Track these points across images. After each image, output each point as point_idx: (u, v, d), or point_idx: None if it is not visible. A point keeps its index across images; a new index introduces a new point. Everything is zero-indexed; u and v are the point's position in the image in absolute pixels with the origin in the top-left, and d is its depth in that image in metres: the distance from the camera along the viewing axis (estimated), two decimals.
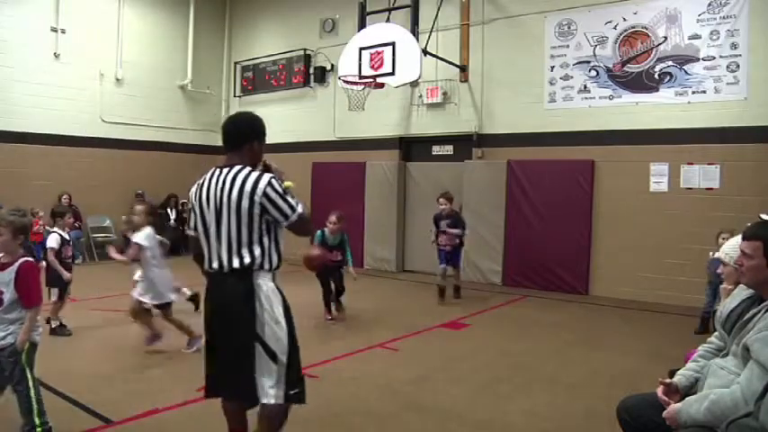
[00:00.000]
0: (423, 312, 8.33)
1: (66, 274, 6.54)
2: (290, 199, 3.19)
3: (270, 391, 3.15)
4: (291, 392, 3.20)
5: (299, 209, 3.22)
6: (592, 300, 9.58)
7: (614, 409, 3.12)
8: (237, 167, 3.19)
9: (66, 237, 6.80)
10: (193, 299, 7.62)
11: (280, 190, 3.16)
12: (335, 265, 7.60)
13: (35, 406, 3.76)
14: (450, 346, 6.70)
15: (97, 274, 11.21)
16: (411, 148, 12.42)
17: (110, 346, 6.33)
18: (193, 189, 3.34)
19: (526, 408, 4.77)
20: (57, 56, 12.70)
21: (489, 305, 9.08)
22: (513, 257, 10.67)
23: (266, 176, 3.16)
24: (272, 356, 3.15)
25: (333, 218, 7.56)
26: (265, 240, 3.19)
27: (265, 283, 3.19)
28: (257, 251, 3.16)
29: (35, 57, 12.39)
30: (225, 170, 3.21)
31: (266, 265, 3.19)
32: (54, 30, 12.65)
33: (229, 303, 3.17)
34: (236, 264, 3.15)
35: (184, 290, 7.49)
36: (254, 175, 3.15)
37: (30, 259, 3.78)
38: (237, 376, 3.16)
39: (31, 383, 3.76)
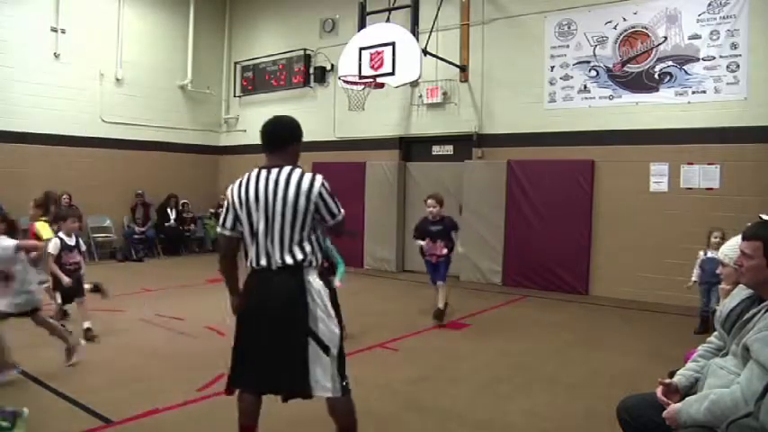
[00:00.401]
0: (423, 312, 8.31)
1: (65, 279, 6.36)
2: (336, 200, 3.37)
3: (327, 385, 3.25)
4: (344, 383, 3.32)
5: (342, 210, 3.41)
6: (592, 300, 9.58)
7: (614, 409, 3.12)
8: (287, 168, 3.31)
9: (70, 242, 6.57)
10: (97, 289, 7.09)
11: (330, 190, 3.36)
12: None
13: None
14: (450, 346, 6.69)
15: (97, 275, 11.20)
16: (411, 148, 12.42)
17: (109, 346, 6.33)
18: (234, 188, 3.39)
19: (526, 408, 4.77)
20: (57, 56, 12.70)
21: (489, 305, 9.07)
22: (513, 257, 10.67)
23: (319, 177, 3.34)
24: (325, 350, 3.24)
25: None
26: (313, 238, 3.33)
27: (314, 280, 3.30)
28: (308, 248, 3.28)
29: (35, 57, 12.39)
30: (274, 170, 3.31)
31: (314, 263, 3.31)
32: (54, 30, 12.64)
33: (280, 300, 3.24)
34: (288, 260, 3.24)
35: (86, 286, 7.04)
36: (308, 175, 3.32)
37: None
38: (289, 371, 3.24)
39: None
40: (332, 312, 3.31)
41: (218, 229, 3.47)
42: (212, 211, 14.99)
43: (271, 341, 3.25)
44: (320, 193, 3.28)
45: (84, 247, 6.88)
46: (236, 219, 3.36)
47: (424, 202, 7.84)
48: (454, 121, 11.51)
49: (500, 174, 10.76)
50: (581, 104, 10.12)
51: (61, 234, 6.56)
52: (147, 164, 14.27)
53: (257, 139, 11.41)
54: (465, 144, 11.38)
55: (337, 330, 3.31)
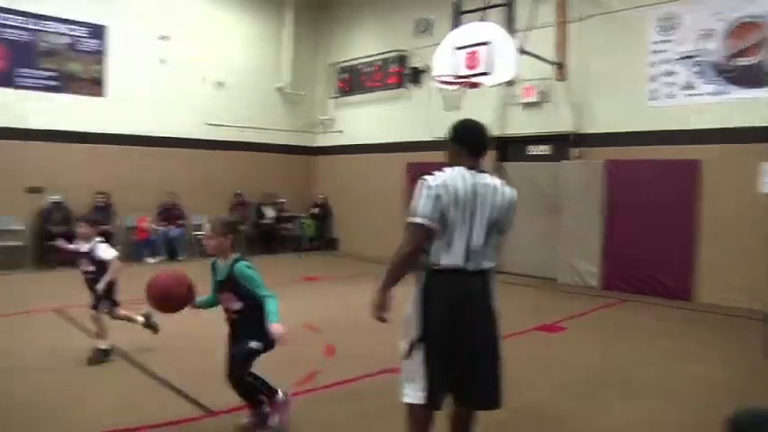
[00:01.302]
0: (517, 314, 8.16)
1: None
2: None
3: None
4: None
5: None
6: (695, 306, 9.16)
7: (717, 421, 2.98)
8: (491, 175, 3.33)
9: (82, 248, 5.90)
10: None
11: None
12: (234, 318, 4.16)
13: None
14: (547, 350, 6.57)
15: (198, 270, 11.63)
16: (506, 148, 12.26)
17: (210, 338, 6.54)
18: (446, 181, 3.18)
19: (624, 415, 4.64)
20: (163, 62, 13.38)
21: (586, 308, 8.84)
22: (612, 260, 10.36)
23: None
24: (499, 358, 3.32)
25: (206, 224, 4.21)
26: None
27: (495, 284, 3.36)
28: (496, 254, 3.33)
29: (144, 63, 13.17)
30: (483, 174, 3.29)
31: (495, 269, 3.35)
32: (161, 38, 13.34)
33: (479, 303, 3.26)
34: (487, 264, 3.28)
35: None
36: (508, 186, 3.36)
37: None
38: (489, 379, 3.28)
39: None
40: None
41: (417, 219, 3.16)
42: (310, 210, 15.36)
43: (471, 347, 3.22)
44: (516, 206, 3.35)
45: (103, 256, 5.80)
46: (441, 212, 3.15)
47: None
48: (550, 120, 11.30)
49: (598, 174, 10.48)
50: (685, 101, 9.70)
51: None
52: (246, 164, 14.77)
53: (354, 140, 11.65)
54: (561, 144, 11.15)
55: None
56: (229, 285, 4.05)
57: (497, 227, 3.28)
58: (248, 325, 4.00)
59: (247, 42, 14.97)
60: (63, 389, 4.98)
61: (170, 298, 4.04)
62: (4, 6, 11.62)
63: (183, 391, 4.88)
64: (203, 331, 6.77)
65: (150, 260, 12.50)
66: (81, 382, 5.15)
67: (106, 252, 5.77)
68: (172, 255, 13.04)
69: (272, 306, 3.94)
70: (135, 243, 12.75)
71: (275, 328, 3.86)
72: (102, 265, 5.74)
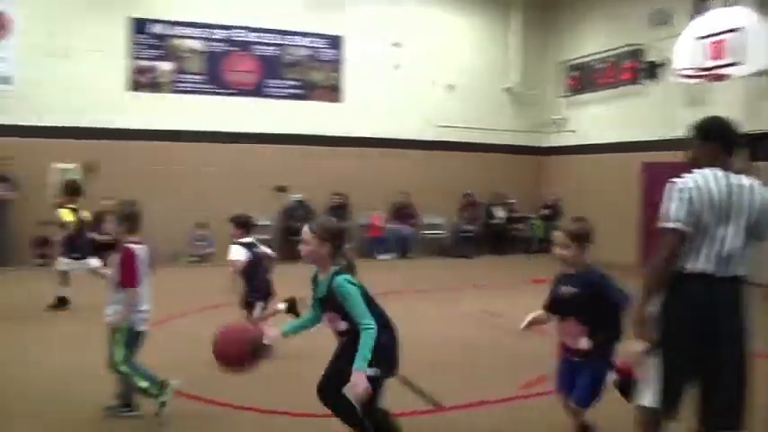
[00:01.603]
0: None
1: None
2: None
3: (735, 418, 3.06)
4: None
5: None
6: None
7: None
8: (743, 175, 3.14)
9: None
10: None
11: None
12: (342, 340, 3.57)
13: (133, 379, 4.12)
14: None
15: (423, 271, 11.95)
16: (757, 146, 11.07)
17: (441, 335, 6.73)
18: (698, 183, 3.03)
19: None
20: (396, 68, 14.05)
21: None
22: None
23: None
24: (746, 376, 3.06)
25: (305, 229, 3.56)
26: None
27: (746, 295, 3.11)
28: (749, 261, 3.10)
29: (377, 69, 14.00)
30: (741, 176, 3.12)
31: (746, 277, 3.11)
32: (393, 45, 14.08)
33: (730, 312, 3.06)
34: (740, 272, 3.07)
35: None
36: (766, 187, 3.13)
37: (129, 246, 4.16)
38: (732, 397, 3.06)
39: (121, 364, 4.12)
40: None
41: (670, 224, 3.02)
42: (540, 211, 15.18)
43: (715, 359, 3.03)
44: None
45: (230, 257, 5.95)
46: (694, 215, 2.99)
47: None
48: None
49: None
50: None
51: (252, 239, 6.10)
52: (475, 165, 14.95)
53: (585, 140, 11.38)
54: None
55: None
56: (331, 303, 3.43)
57: (754, 231, 3.02)
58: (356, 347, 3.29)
59: (475, 45, 15.20)
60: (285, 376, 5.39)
61: (231, 365, 3.60)
62: (256, 26, 13.10)
63: (413, 384, 5.03)
64: (429, 329, 7.02)
65: (382, 257, 13.11)
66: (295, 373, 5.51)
67: (231, 253, 5.86)
68: (404, 253, 13.59)
69: (368, 342, 3.24)
70: (368, 240, 13.51)
71: (358, 378, 3.20)
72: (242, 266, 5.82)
